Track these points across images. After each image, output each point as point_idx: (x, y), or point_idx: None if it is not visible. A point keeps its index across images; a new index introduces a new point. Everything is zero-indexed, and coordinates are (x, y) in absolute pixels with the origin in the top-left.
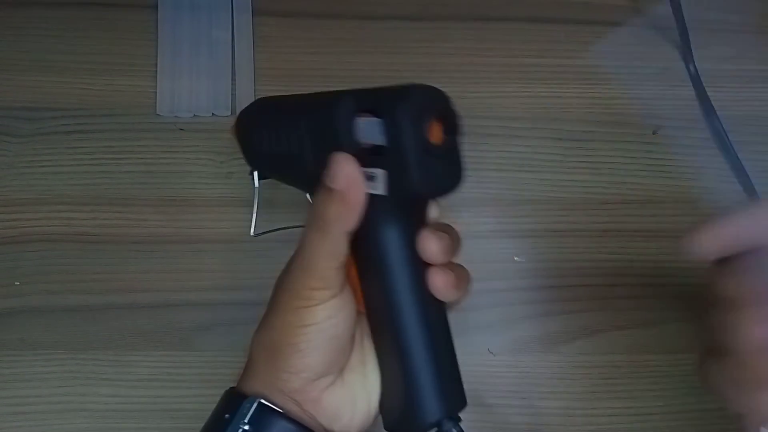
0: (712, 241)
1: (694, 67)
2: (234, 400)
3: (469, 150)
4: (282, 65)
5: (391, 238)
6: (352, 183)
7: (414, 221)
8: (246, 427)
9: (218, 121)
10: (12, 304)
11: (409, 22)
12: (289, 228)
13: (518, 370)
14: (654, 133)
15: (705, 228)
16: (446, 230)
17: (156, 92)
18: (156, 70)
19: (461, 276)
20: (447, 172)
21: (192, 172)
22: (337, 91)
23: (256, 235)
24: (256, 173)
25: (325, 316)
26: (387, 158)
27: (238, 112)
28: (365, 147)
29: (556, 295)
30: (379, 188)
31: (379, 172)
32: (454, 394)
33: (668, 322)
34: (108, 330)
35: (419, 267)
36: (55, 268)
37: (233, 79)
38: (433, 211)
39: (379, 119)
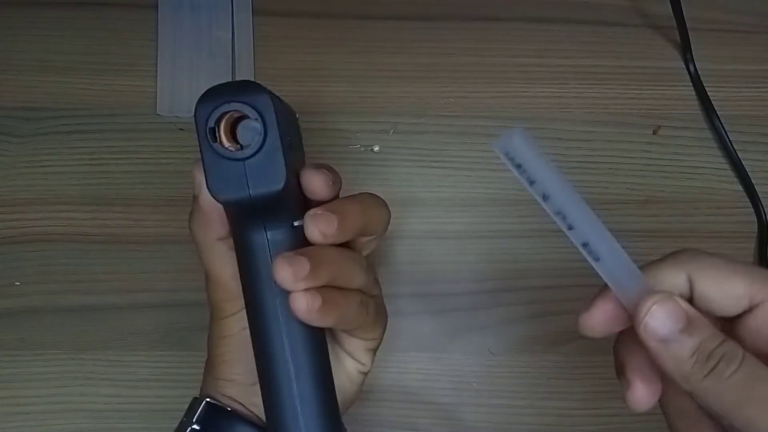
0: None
1: (694, 66)
2: (191, 401)
3: (469, 150)
4: (282, 65)
5: (254, 240)
6: (199, 187)
7: (250, 220)
8: (196, 427)
9: None
10: (12, 304)
11: (409, 22)
12: None
13: (518, 370)
14: (654, 133)
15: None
16: (327, 167)
17: (156, 92)
18: (156, 70)
19: (328, 299)
20: (241, 177)
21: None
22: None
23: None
24: None
25: (240, 326)
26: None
27: None
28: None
29: (556, 295)
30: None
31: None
32: (326, 427)
33: None
34: (108, 330)
35: (262, 271)
36: (55, 268)
37: (233, 79)
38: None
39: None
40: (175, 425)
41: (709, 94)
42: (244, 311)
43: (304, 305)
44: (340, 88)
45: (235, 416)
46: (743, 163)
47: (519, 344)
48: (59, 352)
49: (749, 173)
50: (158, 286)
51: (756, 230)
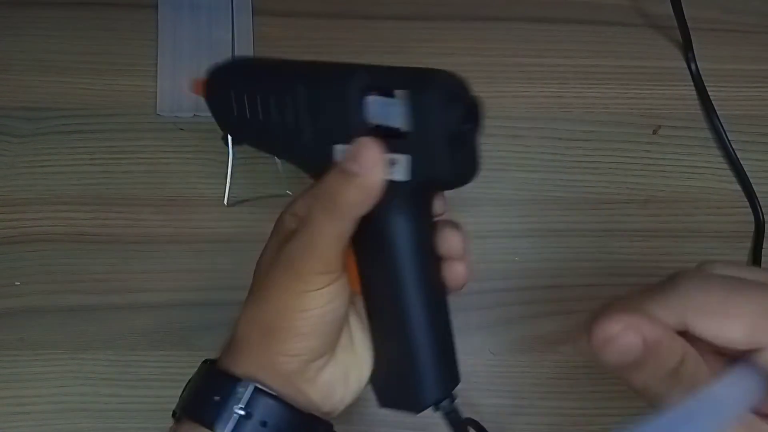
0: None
1: (696, 66)
2: (224, 381)
3: None
4: None
5: (403, 224)
6: (374, 169)
7: (424, 209)
8: (241, 412)
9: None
10: (12, 304)
11: (409, 22)
12: (265, 197)
13: (518, 370)
14: (654, 132)
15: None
16: (460, 227)
17: (156, 92)
18: (156, 70)
19: (472, 268)
20: (468, 161)
21: (192, 172)
22: (345, 63)
23: (230, 205)
24: (230, 138)
25: (326, 300)
26: (408, 142)
27: None
28: (371, 127)
29: (556, 295)
30: (400, 174)
31: (402, 158)
32: (451, 375)
33: None
34: (108, 330)
35: (428, 254)
36: (55, 268)
37: None
38: (439, 203)
39: (399, 100)
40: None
41: (709, 93)
42: (333, 285)
43: (462, 272)
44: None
45: (281, 402)
46: (742, 163)
47: (519, 344)
48: (59, 352)
49: (748, 173)
50: (158, 286)
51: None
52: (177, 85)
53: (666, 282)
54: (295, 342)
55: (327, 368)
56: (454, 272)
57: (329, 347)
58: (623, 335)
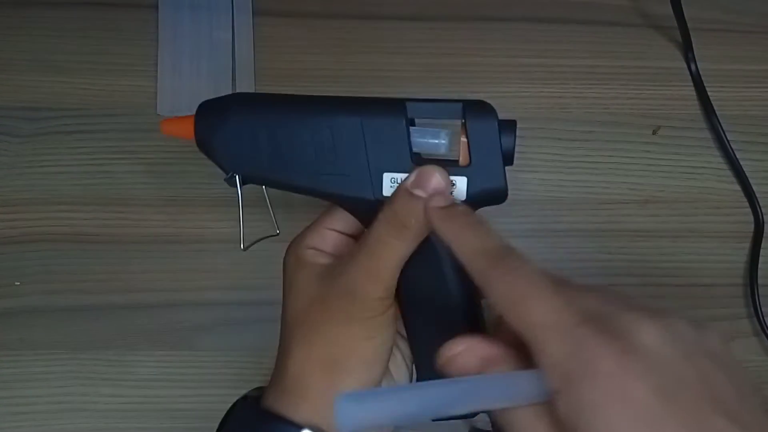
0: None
1: (695, 66)
2: (281, 428)
3: None
4: (282, 65)
5: None
6: (442, 193)
7: None
8: None
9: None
10: (12, 304)
11: (409, 22)
12: (268, 237)
13: None
14: (654, 133)
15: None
16: None
17: (156, 92)
18: (156, 70)
19: None
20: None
21: (192, 172)
22: (374, 97)
23: (246, 248)
24: (238, 178)
25: (387, 325)
26: (464, 167)
27: None
28: (418, 154)
29: None
30: (458, 195)
31: (460, 180)
32: None
33: None
34: (108, 330)
35: None
36: (55, 268)
37: (233, 79)
38: None
39: (445, 130)
40: (176, 425)
41: (709, 94)
42: (391, 310)
43: None
44: (340, 88)
45: None
46: (741, 163)
47: None
48: (59, 352)
49: (747, 173)
50: (158, 286)
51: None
52: (177, 85)
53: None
54: (363, 372)
55: None
56: None
57: (382, 376)
58: (463, 356)
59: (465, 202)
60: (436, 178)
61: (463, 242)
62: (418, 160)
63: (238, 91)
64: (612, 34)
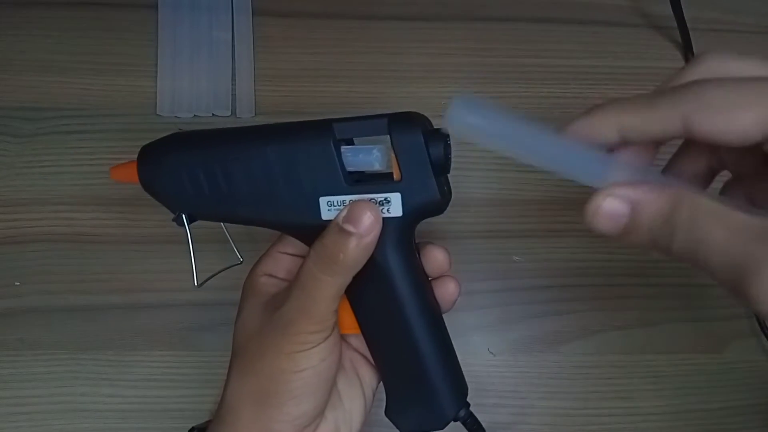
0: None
1: None
2: None
3: (469, 150)
4: (282, 65)
5: (398, 255)
6: (372, 227)
7: (412, 237)
8: None
9: (219, 121)
10: (12, 304)
11: (409, 22)
12: (231, 267)
13: (518, 370)
14: None
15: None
16: (442, 246)
17: (156, 92)
18: (156, 70)
19: (458, 284)
20: (448, 186)
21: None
22: (308, 121)
23: (200, 285)
24: (185, 217)
25: (320, 358)
26: (395, 181)
27: (238, 112)
28: (353, 172)
29: (556, 295)
30: (394, 211)
31: (394, 196)
32: (462, 385)
33: (668, 322)
34: (108, 330)
35: (423, 278)
36: (55, 268)
37: (233, 80)
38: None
39: (378, 146)
40: (176, 425)
41: None
42: (326, 342)
43: (454, 289)
44: (340, 88)
45: None
46: None
47: (519, 344)
48: (59, 352)
49: None
50: (158, 286)
51: None
52: (177, 86)
53: (668, 84)
54: (291, 406)
55: (319, 430)
56: (446, 290)
57: (321, 409)
58: (608, 204)
59: (402, 217)
60: (367, 214)
61: None
62: (355, 179)
63: (237, 90)
64: (612, 34)
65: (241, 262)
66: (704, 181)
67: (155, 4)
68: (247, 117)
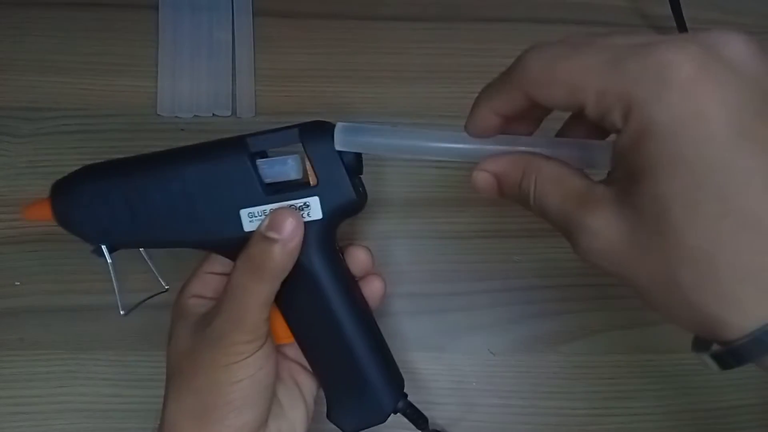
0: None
1: None
2: None
3: None
4: (282, 65)
5: (322, 258)
6: (294, 231)
7: (334, 239)
8: None
9: (219, 121)
10: (12, 304)
11: (409, 22)
12: (157, 294)
13: (518, 370)
14: None
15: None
16: (364, 246)
17: (156, 92)
18: (156, 71)
19: (384, 281)
20: (362, 186)
21: None
22: (215, 141)
23: (127, 313)
24: (105, 248)
25: (257, 366)
26: (312, 187)
27: (238, 112)
28: (269, 183)
29: (555, 295)
30: (315, 214)
31: (313, 200)
32: (397, 377)
33: (668, 322)
34: (108, 330)
35: (348, 278)
36: (55, 268)
37: (234, 80)
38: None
39: (291, 156)
40: None
41: None
42: (261, 350)
43: (380, 287)
44: (340, 88)
45: None
46: None
47: (519, 344)
48: (59, 352)
49: None
50: (158, 286)
51: None
52: (177, 86)
53: (517, 58)
54: (232, 418)
55: None
56: (373, 288)
57: (264, 419)
58: (478, 176)
59: (323, 219)
60: (288, 220)
61: None
62: (272, 190)
63: (237, 91)
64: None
65: (167, 290)
66: (602, 132)
67: (155, 4)
68: (247, 117)
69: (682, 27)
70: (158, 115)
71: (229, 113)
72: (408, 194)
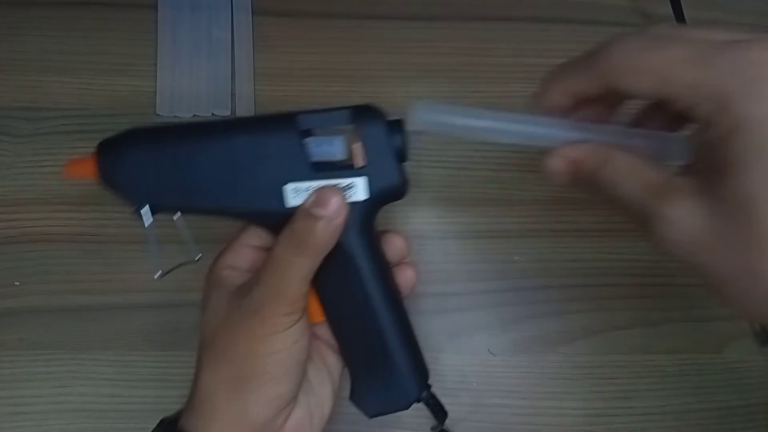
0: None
1: None
2: None
3: (469, 150)
4: (282, 65)
5: (362, 240)
6: (340, 210)
7: (373, 223)
8: None
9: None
10: (12, 304)
11: (409, 21)
12: (188, 263)
13: (518, 370)
14: None
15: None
16: (402, 233)
17: (156, 92)
18: (156, 70)
19: (417, 271)
20: (406, 172)
21: None
22: (265, 114)
23: (161, 277)
24: (146, 209)
25: (293, 340)
26: (359, 168)
27: (237, 111)
28: (316, 162)
29: (556, 295)
30: (360, 195)
31: (359, 180)
32: (424, 368)
33: (668, 322)
34: (108, 330)
35: (384, 263)
36: (55, 268)
37: (233, 79)
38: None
39: (340, 136)
40: None
41: None
42: (298, 324)
43: (412, 276)
44: (340, 88)
45: None
46: None
47: (519, 344)
48: (59, 352)
49: None
50: (158, 286)
51: None
52: (176, 85)
53: (597, 46)
54: (268, 388)
55: (293, 414)
56: (406, 276)
57: (295, 392)
58: (554, 162)
59: (367, 201)
60: (334, 198)
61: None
62: (318, 168)
63: (236, 90)
64: (612, 34)
65: (200, 258)
66: (678, 122)
67: (155, 4)
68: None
69: None
70: (157, 114)
71: (229, 112)
72: (408, 194)
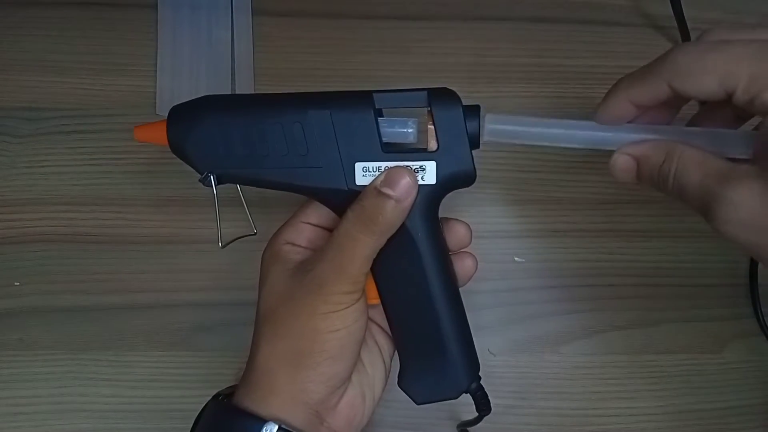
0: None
1: None
2: (246, 422)
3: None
4: (282, 65)
5: (425, 224)
6: (410, 190)
7: (437, 208)
8: None
9: None
10: (12, 304)
11: (409, 22)
12: (247, 236)
13: (518, 370)
14: None
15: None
16: (465, 222)
17: (156, 92)
18: (156, 70)
19: (476, 261)
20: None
21: (190, 172)
22: (341, 91)
23: (224, 246)
24: (213, 177)
25: (353, 319)
26: (432, 152)
27: None
28: (388, 143)
29: (556, 295)
30: (429, 179)
31: (430, 164)
32: (475, 359)
33: (668, 322)
34: (108, 330)
35: (445, 250)
36: (55, 268)
37: (233, 79)
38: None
39: (413, 118)
40: (175, 425)
41: None
42: (358, 304)
43: (472, 265)
44: (340, 88)
45: None
46: None
47: (519, 344)
48: (59, 352)
49: None
50: (158, 286)
51: None
52: (176, 85)
53: (656, 58)
54: (326, 366)
55: (346, 394)
56: (465, 265)
57: (351, 371)
58: (620, 160)
59: (435, 185)
60: (405, 179)
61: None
62: (389, 149)
63: (237, 91)
64: (612, 34)
65: (255, 233)
66: (735, 122)
67: (155, 3)
68: None
69: (683, 26)
70: (157, 114)
71: None
72: None
